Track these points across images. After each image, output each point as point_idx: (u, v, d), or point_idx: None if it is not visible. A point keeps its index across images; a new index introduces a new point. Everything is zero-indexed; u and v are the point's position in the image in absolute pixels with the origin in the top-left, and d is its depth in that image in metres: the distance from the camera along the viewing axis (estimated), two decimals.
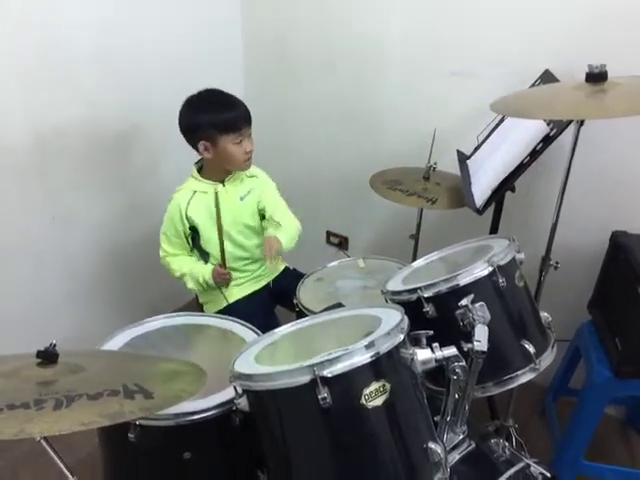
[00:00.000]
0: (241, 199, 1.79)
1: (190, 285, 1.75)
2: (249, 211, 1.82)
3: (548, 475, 1.18)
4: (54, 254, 2.05)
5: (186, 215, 1.70)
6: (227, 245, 1.78)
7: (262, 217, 1.86)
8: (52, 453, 0.94)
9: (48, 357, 1.00)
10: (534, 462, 1.21)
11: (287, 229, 1.80)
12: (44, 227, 1.98)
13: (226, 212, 1.76)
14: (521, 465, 1.19)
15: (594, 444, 1.67)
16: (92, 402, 0.85)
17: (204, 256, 1.80)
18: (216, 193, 1.73)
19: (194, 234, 1.75)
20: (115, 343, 1.40)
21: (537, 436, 1.91)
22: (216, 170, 1.74)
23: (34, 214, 1.94)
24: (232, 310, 1.78)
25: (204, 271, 1.73)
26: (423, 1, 1.98)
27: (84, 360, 1.06)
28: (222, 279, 1.73)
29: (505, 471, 1.17)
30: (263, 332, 1.27)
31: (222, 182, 1.76)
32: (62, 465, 0.95)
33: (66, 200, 2.02)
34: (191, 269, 1.74)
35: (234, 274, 1.81)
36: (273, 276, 1.95)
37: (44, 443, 0.92)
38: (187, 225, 1.72)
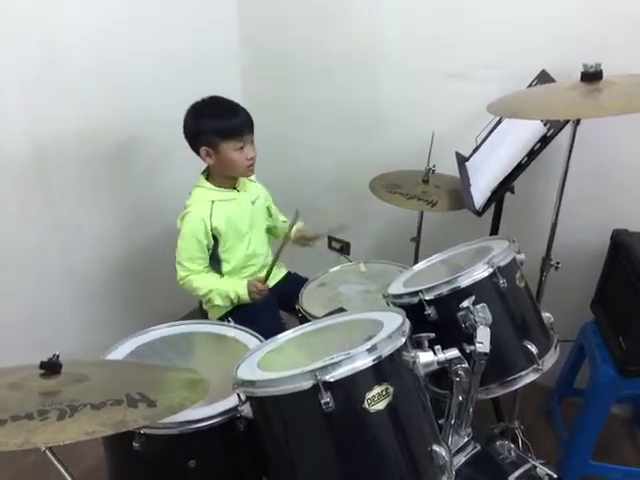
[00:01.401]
0: (252, 203, 1.83)
1: (218, 302, 1.73)
2: (261, 215, 1.88)
3: (555, 476, 1.18)
4: (57, 265, 2.05)
5: (212, 227, 1.69)
6: (242, 251, 1.79)
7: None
8: (57, 463, 0.94)
9: (51, 368, 1.00)
10: (540, 463, 1.20)
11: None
12: (46, 237, 1.99)
13: (245, 218, 1.78)
14: (527, 467, 1.19)
15: (601, 444, 1.67)
16: (95, 412, 0.85)
17: (216, 264, 1.79)
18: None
19: (214, 244, 1.74)
20: (120, 352, 1.40)
21: (543, 437, 1.90)
22: (224, 177, 1.75)
23: (36, 225, 1.95)
24: (237, 315, 1.77)
25: (236, 287, 1.71)
26: (419, 5, 1.99)
27: (87, 370, 1.06)
28: (260, 294, 1.70)
29: (511, 473, 1.17)
30: (270, 336, 1.27)
31: (234, 188, 1.78)
32: (67, 475, 0.95)
33: (68, 210, 2.03)
34: (218, 286, 1.72)
35: (242, 276, 1.82)
36: (276, 280, 1.95)
37: (49, 453, 0.92)
38: (211, 236, 1.71)
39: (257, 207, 1.85)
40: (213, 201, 1.71)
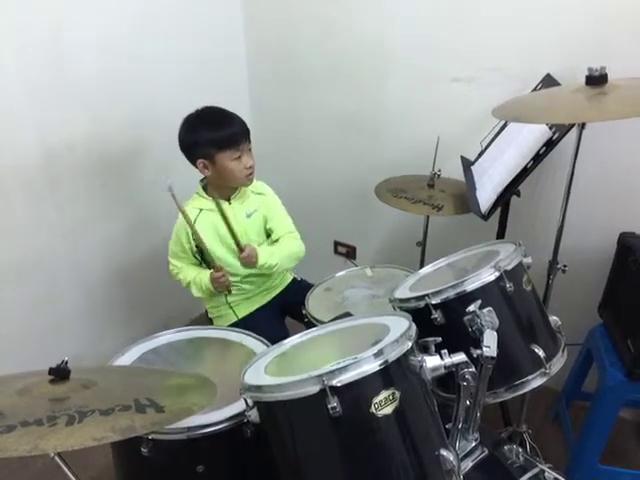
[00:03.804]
0: (248, 216, 1.79)
1: (196, 293, 1.76)
2: (255, 228, 1.82)
3: None
4: (64, 270, 2.07)
5: (192, 234, 1.70)
6: (235, 261, 1.78)
7: (268, 235, 1.88)
8: (66, 469, 0.94)
9: (60, 374, 1.00)
10: (549, 467, 1.20)
11: (283, 248, 1.82)
12: (54, 243, 2.00)
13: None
14: (535, 471, 1.18)
15: (609, 448, 1.66)
16: (104, 417, 0.86)
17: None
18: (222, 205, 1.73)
19: (201, 251, 1.74)
20: (127, 358, 1.41)
21: (551, 441, 1.89)
22: (220, 187, 1.74)
23: (44, 230, 1.96)
24: (241, 324, 1.78)
25: (203, 277, 1.73)
26: (425, 9, 1.99)
27: (95, 376, 1.07)
28: (219, 283, 1.70)
29: (519, 477, 1.16)
30: (273, 344, 1.28)
31: (228, 199, 1.77)
32: None
33: (77, 216, 2.04)
34: (194, 276, 1.75)
35: (244, 286, 1.82)
36: (281, 288, 1.95)
37: (58, 459, 0.93)
38: (194, 243, 1.73)
39: (253, 220, 1.81)
40: (201, 209, 1.72)
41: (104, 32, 1.94)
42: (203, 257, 1.77)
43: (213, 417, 1.16)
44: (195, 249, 1.75)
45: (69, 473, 0.95)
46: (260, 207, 1.83)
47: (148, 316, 2.36)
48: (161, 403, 0.94)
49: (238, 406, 1.17)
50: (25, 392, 0.97)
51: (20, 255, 1.91)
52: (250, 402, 1.03)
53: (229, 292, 1.77)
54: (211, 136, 1.63)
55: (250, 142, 1.70)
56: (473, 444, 1.19)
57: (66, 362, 1.02)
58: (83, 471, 1.03)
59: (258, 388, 0.98)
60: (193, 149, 1.66)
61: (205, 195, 1.75)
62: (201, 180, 1.78)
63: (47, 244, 1.98)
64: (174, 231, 1.76)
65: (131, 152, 2.17)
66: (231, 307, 1.83)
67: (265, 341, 1.47)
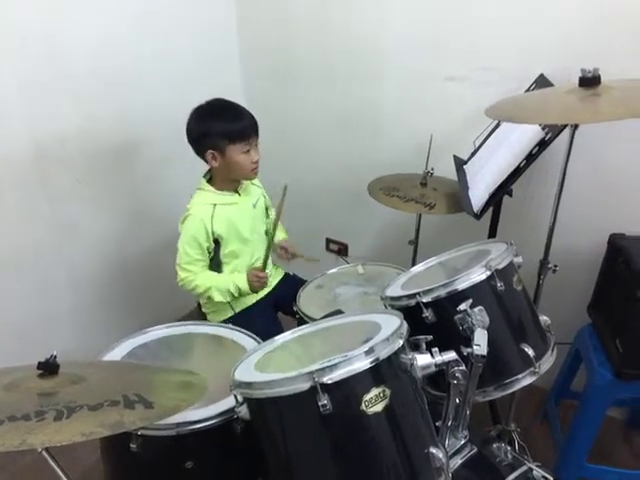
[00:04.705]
0: (254, 206, 1.83)
1: (218, 297, 1.71)
2: (260, 218, 1.87)
3: (551, 479, 1.18)
4: (55, 265, 2.05)
5: (212, 230, 1.68)
6: (246, 259, 1.79)
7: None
8: (54, 464, 0.94)
9: (49, 368, 1.00)
10: (537, 466, 1.21)
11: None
12: (45, 238, 1.99)
13: (246, 221, 1.77)
14: (524, 469, 1.19)
15: (597, 447, 1.67)
16: (92, 413, 0.85)
17: (217, 267, 1.78)
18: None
19: (216, 247, 1.74)
20: (117, 353, 1.40)
21: (540, 440, 1.90)
22: (226, 180, 1.74)
23: (36, 225, 1.94)
24: (237, 319, 1.78)
25: (236, 279, 1.71)
26: (420, 8, 1.99)
27: (84, 371, 1.06)
28: (261, 281, 1.71)
29: (508, 475, 1.17)
30: (267, 339, 1.27)
31: (236, 192, 1.77)
32: (64, 477, 0.95)
33: (68, 211, 2.03)
34: (216, 282, 1.71)
35: None
36: (275, 283, 1.95)
37: (46, 454, 0.92)
38: (212, 239, 1.70)
39: (258, 209, 1.85)
40: (215, 204, 1.70)
41: (97, 28, 1.93)
42: (213, 257, 1.75)
43: (203, 413, 1.16)
44: (213, 245, 1.72)
45: (57, 469, 0.94)
46: (260, 197, 1.88)
47: (139, 311, 2.34)
48: (150, 399, 0.93)
49: (228, 402, 1.17)
50: (13, 387, 0.96)
51: (9, 250, 1.89)
52: (240, 398, 1.03)
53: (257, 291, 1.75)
54: (223, 128, 1.63)
55: (258, 137, 1.71)
56: (462, 442, 1.20)
57: (55, 357, 1.02)
58: (72, 466, 1.02)
59: (248, 385, 0.98)
60: (203, 139, 1.65)
61: (214, 189, 1.73)
62: (205, 175, 1.77)
63: (37, 239, 1.96)
64: (187, 234, 1.68)
65: (124, 149, 2.15)
66: (228, 302, 1.82)
67: (256, 337, 1.47)
